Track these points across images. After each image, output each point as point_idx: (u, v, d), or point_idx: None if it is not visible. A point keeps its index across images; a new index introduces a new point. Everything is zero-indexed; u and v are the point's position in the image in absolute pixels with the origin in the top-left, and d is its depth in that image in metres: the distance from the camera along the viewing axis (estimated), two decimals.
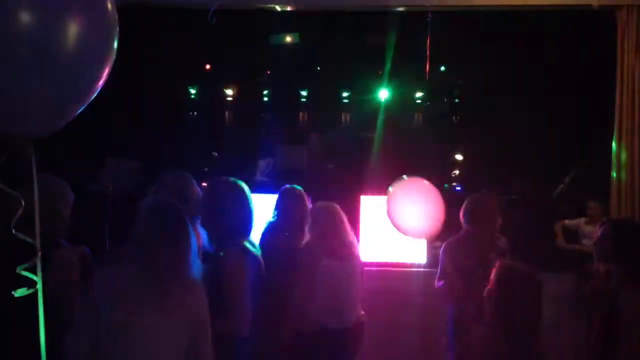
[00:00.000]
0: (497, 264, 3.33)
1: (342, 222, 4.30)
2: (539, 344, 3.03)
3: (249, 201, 3.35)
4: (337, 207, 4.35)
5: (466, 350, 4.24)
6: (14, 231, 2.30)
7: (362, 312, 4.37)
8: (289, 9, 5.99)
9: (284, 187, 4.54)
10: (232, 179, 3.40)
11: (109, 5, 2.39)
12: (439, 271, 4.47)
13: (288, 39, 8.26)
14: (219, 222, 3.26)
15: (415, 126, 9.64)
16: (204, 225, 3.35)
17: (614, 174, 5.69)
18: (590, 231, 6.18)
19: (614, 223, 3.56)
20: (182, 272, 2.61)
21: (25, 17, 2.12)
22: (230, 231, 3.27)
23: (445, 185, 9.23)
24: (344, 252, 4.25)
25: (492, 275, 3.25)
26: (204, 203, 3.35)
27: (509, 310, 2.99)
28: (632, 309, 3.25)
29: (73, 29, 2.24)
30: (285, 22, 8.73)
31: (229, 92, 9.74)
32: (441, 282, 4.42)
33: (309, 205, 4.47)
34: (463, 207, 4.39)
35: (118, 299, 2.51)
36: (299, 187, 4.50)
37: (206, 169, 8.74)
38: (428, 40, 5.86)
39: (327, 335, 4.16)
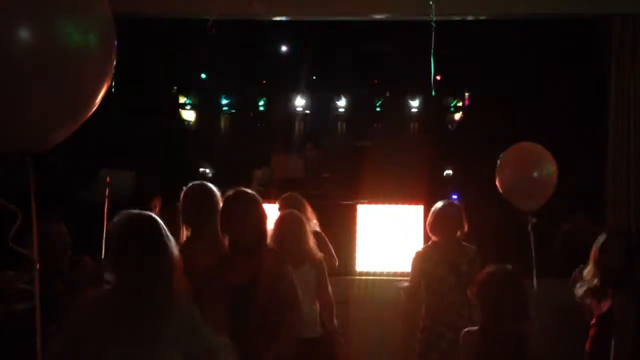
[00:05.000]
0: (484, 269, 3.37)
1: (299, 230, 4.21)
2: (524, 347, 3.01)
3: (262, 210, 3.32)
4: (297, 214, 4.29)
5: (442, 356, 4.26)
6: (11, 244, 2.29)
7: (332, 323, 4.25)
8: (283, 18, 6.01)
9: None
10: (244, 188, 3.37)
11: (108, 18, 2.38)
12: (408, 280, 4.54)
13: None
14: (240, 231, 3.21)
15: (411, 134, 9.64)
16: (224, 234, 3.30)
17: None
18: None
19: (617, 232, 3.67)
20: (164, 292, 2.43)
21: (24, 31, 2.11)
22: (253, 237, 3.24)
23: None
24: (298, 259, 4.12)
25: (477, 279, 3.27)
26: (224, 213, 3.26)
27: (489, 312, 2.98)
28: (622, 313, 3.32)
29: (72, 44, 2.23)
30: (282, 31, 8.76)
31: (225, 101, 9.73)
32: (406, 285, 4.49)
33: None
34: (428, 217, 4.50)
35: (95, 332, 2.35)
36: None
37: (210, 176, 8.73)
38: (432, 50, 5.86)
39: None
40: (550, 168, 4.57)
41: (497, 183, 4.70)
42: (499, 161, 4.71)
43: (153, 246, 2.42)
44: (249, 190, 3.35)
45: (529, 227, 4.56)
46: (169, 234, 2.51)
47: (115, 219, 2.51)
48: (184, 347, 2.43)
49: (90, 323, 2.39)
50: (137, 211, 2.56)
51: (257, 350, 3.06)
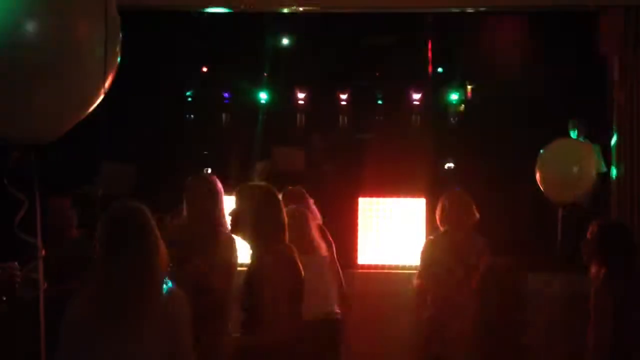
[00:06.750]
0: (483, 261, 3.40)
1: (307, 224, 4.29)
2: (522, 337, 3.02)
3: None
4: (303, 210, 4.35)
5: (445, 347, 4.27)
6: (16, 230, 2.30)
7: (337, 310, 4.33)
8: (285, 10, 5.97)
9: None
10: (263, 184, 3.31)
11: (113, 13, 2.38)
12: (418, 270, 4.52)
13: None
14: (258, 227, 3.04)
15: (413, 127, 9.62)
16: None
17: (613, 173, 5.69)
18: None
19: (601, 224, 3.68)
20: (148, 284, 2.41)
21: (29, 25, 2.10)
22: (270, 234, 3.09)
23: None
24: (307, 247, 4.14)
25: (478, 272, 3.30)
26: (240, 209, 3.08)
27: (490, 303, 3.01)
28: (599, 298, 3.39)
29: (77, 37, 2.22)
30: (283, 24, 8.75)
31: (226, 94, 9.71)
32: (418, 282, 4.48)
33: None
34: (437, 207, 4.46)
35: (85, 329, 2.36)
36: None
37: (209, 170, 8.71)
38: (430, 42, 5.86)
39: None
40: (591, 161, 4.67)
41: (536, 177, 4.74)
42: (539, 157, 4.77)
43: (136, 237, 2.41)
44: (255, 184, 3.33)
45: (559, 219, 4.59)
46: (154, 225, 2.48)
47: (107, 209, 2.50)
48: (171, 340, 2.42)
49: (81, 318, 2.39)
50: (124, 202, 2.52)
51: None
